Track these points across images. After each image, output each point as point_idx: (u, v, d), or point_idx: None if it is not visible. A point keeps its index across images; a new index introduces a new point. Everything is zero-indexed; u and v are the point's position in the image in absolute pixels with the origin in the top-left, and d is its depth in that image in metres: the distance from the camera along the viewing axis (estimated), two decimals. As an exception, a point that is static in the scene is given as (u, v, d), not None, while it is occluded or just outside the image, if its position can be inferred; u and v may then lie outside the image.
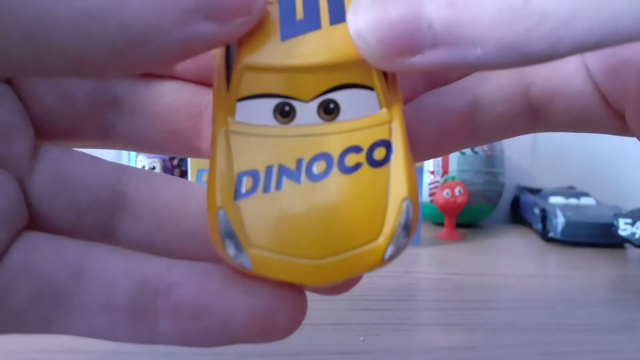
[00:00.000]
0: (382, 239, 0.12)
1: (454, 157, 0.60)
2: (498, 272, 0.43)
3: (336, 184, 0.12)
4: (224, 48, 0.13)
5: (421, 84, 0.17)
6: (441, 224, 0.59)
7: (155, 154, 0.16)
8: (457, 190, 0.53)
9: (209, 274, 0.13)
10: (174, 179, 0.15)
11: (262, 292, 0.12)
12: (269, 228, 0.12)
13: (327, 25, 0.12)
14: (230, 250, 0.12)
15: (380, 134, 0.12)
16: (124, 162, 0.53)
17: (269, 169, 0.12)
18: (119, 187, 0.14)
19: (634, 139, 0.15)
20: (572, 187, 0.66)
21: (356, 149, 0.12)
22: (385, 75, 0.13)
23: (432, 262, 0.45)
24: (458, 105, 0.16)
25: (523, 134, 0.17)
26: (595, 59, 0.14)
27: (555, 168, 0.74)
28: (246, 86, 0.12)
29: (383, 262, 0.12)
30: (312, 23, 0.12)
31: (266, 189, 0.12)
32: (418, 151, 0.16)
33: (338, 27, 0.12)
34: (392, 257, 0.12)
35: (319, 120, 0.12)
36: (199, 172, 0.46)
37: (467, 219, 0.61)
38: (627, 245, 0.52)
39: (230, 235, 0.12)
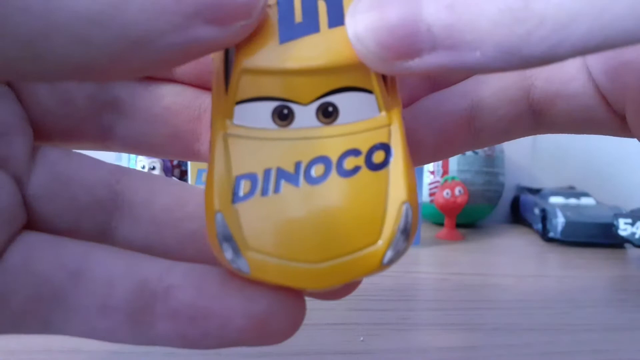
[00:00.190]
0: (381, 243, 0.12)
1: (454, 157, 0.60)
2: (498, 272, 0.43)
3: (335, 188, 0.12)
4: (222, 51, 0.13)
5: (421, 88, 0.17)
6: (441, 224, 0.59)
7: (153, 157, 0.16)
8: (457, 190, 0.53)
9: (207, 276, 0.13)
10: (173, 182, 0.15)
11: (260, 296, 0.12)
12: (266, 232, 0.12)
13: (325, 28, 0.12)
14: (228, 254, 0.12)
15: (379, 137, 0.12)
16: (124, 162, 0.53)
17: (267, 172, 0.12)
18: (117, 188, 0.14)
19: (634, 139, 0.15)
20: (572, 187, 0.66)
21: (355, 152, 0.12)
22: (384, 78, 0.13)
23: (432, 262, 0.45)
24: (458, 109, 0.16)
25: (524, 136, 0.17)
26: (596, 61, 0.14)
27: (555, 168, 0.74)
28: (244, 89, 0.12)
29: (382, 266, 0.12)
30: (310, 26, 0.12)
31: (264, 192, 0.12)
32: (419, 155, 0.16)
33: (337, 30, 0.12)
34: (391, 261, 0.12)
35: (318, 124, 0.12)
36: (199, 172, 0.46)
37: (467, 219, 0.61)
38: (627, 245, 0.52)
39: (227, 238, 0.12)
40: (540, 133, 0.17)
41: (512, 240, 0.57)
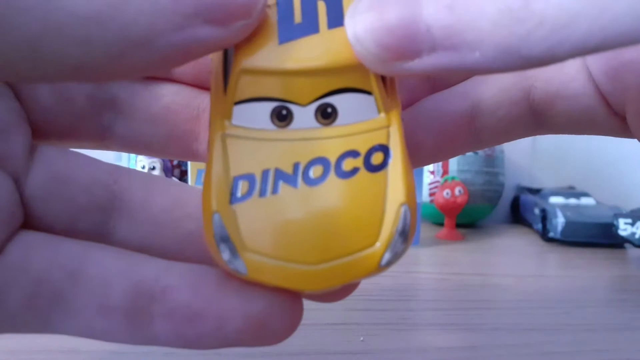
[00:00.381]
0: (379, 245, 0.12)
1: (454, 157, 0.60)
2: (498, 272, 0.43)
3: (333, 189, 0.12)
4: (221, 51, 0.13)
5: (421, 89, 0.17)
6: (441, 224, 0.59)
7: (152, 156, 0.16)
8: (457, 190, 0.53)
9: (204, 277, 0.13)
10: (171, 182, 0.15)
11: (257, 297, 0.12)
12: (264, 233, 0.12)
13: (325, 29, 0.12)
14: (225, 255, 0.12)
15: (378, 139, 0.12)
16: (124, 162, 0.53)
17: (265, 173, 0.12)
18: (115, 188, 0.14)
19: (634, 139, 0.15)
20: (572, 187, 0.66)
21: (353, 154, 0.12)
22: (383, 79, 0.13)
23: (432, 262, 0.45)
24: (458, 110, 0.16)
25: (524, 137, 0.17)
26: (596, 61, 0.14)
27: (555, 168, 0.74)
28: (243, 89, 0.12)
29: (380, 268, 0.12)
30: (310, 27, 0.12)
31: (262, 193, 0.12)
32: (418, 156, 0.16)
33: (336, 31, 0.12)
34: (389, 263, 0.12)
35: (317, 124, 0.12)
36: (199, 172, 0.46)
37: (467, 219, 0.61)
38: (627, 245, 0.52)
39: (225, 239, 0.12)
40: (540, 134, 0.17)
41: (512, 240, 0.57)
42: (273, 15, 0.12)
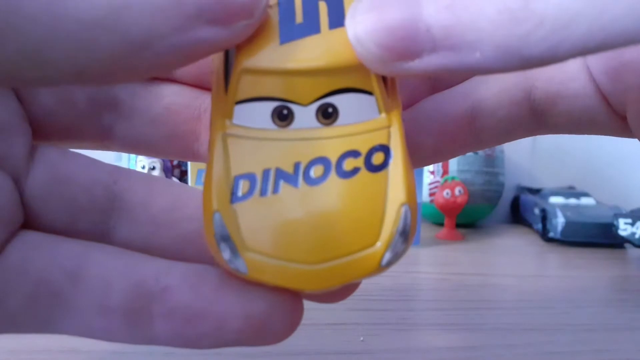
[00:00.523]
0: (379, 245, 0.12)
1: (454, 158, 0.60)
2: (498, 272, 0.43)
3: (334, 189, 0.12)
4: (222, 51, 0.13)
5: (421, 89, 0.17)
6: (441, 224, 0.59)
7: (152, 157, 0.16)
8: (457, 190, 0.53)
9: (205, 277, 0.13)
10: (171, 182, 0.15)
11: (257, 297, 0.12)
12: (265, 232, 0.12)
13: (326, 29, 0.12)
14: (226, 254, 0.12)
15: (378, 139, 0.12)
16: (124, 162, 0.53)
17: (266, 173, 0.12)
18: (115, 189, 0.14)
19: (635, 139, 0.15)
20: (572, 187, 0.66)
21: (354, 154, 0.12)
22: (384, 79, 0.13)
23: (432, 262, 0.45)
24: (459, 110, 0.16)
25: (525, 137, 0.17)
26: (596, 61, 0.14)
27: (555, 168, 0.74)
28: (244, 89, 0.12)
29: (380, 268, 0.12)
30: (311, 27, 0.12)
31: (263, 192, 0.12)
32: (419, 157, 0.16)
33: (337, 31, 0.12)
34: (390, 263, 0.12)
35: (317, 124, 0.12)
36: (199, 172, 0.46)
37: (467, 219, 0.61)
38: (627, 245, 0.52)
39: (225, 238, 0.12)
40: (541, 134, 0.17)
41: (512, 240, 0.57)
42: (274, 15, 0.12)
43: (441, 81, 0.17)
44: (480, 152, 0.61)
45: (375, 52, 0.11)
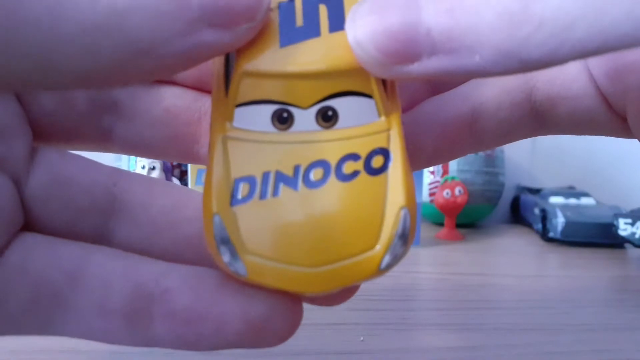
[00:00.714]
0: (378, 248, 0.12)
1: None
2: (498, 272, 0.43)
3: (333, 192, 0.12)
4: None
5: (422, 91, 0.17)
6: (441, 224, 0.59)
7: (153, 158, 0.16)
8: (457, 190, 0.53)
9: (204, 279, 0.13)
10: (171, 185, 0.15)
11: (257, 299, 0.12)
12: (264, 235, 0.12)
13: (326, 32, 0.12)
14: (225, 257, 0.12)
15: (378, 142, 0.12)
16: (124, 162, 0.53)
17: (265, 175, 0.12)
18: (115, 191, 0.14)
19: (635, 140, 0.15)
20: (572, 187, 0.66)
21: (354, 157, 0.12)
22: (384, 83, 0.13)
23: (432, 262, 0.45)
24: (459, 112, 0.16)
25: (526, 137, 0.17)
26: (597, 63, 0.14)
27: (555, 168, 0.74)
28: (245, 92, 0.12)
29: (379, 271, 0.12)
30: (311, 30, 0.12)
31: (263, 195, 0.12)
32: (420, 159, 0.16)
33: (337, 34, 0.12)
34: (389, 266, 0.12)
35: (317, 127, 0.12)
36: (199, 173, 0.46)
37: (467, 219, 0.61)
38: (627, 245, 0.52)
39: (225, 241, 0.12)
40: (541, 134, 0.17)
41: (512, 240, 0.57)
42: (275, 18, 0.12)
43: (441, 83, 0.17)
44: (480, 152, 0.60)
45: (375, 56, 0.11)
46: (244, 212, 0.12)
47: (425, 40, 0.10)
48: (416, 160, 0.15)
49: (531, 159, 0.75)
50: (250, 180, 0.12)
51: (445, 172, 0.60)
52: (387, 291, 0.34)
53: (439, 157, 0.16)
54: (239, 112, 0.12)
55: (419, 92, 0.17)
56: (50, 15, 0.09)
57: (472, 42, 0.10)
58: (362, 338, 0.26)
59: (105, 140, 0.16)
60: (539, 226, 0.57)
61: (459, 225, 0.59)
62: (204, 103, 0.16)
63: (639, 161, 0.74)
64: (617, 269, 0.44)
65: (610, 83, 0.14)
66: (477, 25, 0.10)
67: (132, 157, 0.53)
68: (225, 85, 0.13)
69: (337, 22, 0.12)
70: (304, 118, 0.12)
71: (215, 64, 0.13)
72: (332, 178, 0.12)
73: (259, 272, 0.12)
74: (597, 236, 0.52)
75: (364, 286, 0.15)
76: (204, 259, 0.13)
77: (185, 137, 0.16)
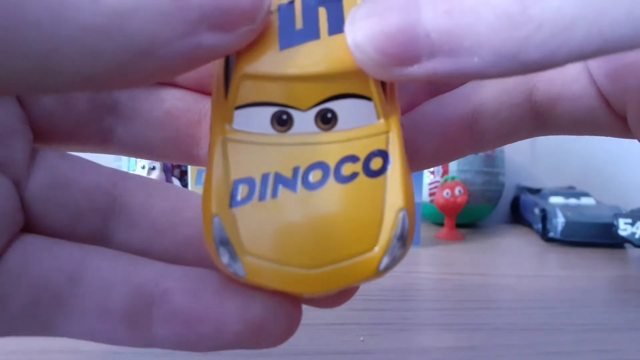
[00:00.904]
0: (377, 250, 0.12)
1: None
2: (498, 272, 0.43)
3: (332, 194, 0.12)
4: None
5: (421, 93, 0.17)
6: (441, 224, 0.59)
7: (153, 160, 0.16)
8: (457, 190, 0.53)
9: (204, 281, 0.13)
10: (171, 186, 0.15)
11: (256, 300, 0.12)
12: (263, 236, 0.12)
13: (326, 35, 0.12)
14: (225, 258, 0.12)
15: (377, 144, 0.12)
16: (124, 161, 0.53)
17: (265, 177, 0.12)
18: (115, 192, 0.14)
19: (634, 140, 0.15)
20: (572, 187, 0.66)
21: (353, 159, 0.12)
22: (383, 85, 0.13)
23: (432, 262, 0.45)
24: (459, 113, 0.16)
25: (526, 138, 0.17)
26: (597, 63, 0.14)
27: (555, 168, 0.74)
28: (244, 94, 0.12)
29: (378, 273, 0.12)
30: (311, 33, 0.12)
31: (262, 197, 0.12)
32: (420, 160, 0.16)
33: (337, 37, 0.12)
34: (387, 268, 0.12)
35: (316, 129, 0.12)
36: (199, 173, 0.46)
37: (467, 219, 0.61)
38: (627, 245, 0.52)
39: (224, 242, 0.12)
40: (542, 135, 0.17)
41: (512, 240, 0.57)
42: (274, 21, 0.12)
43: (441, 84, 0.17)
44: (481, 152, 0.60)
45: (375, 58, 0.11)
46: (243, 214, 0.12)
47: (425, 42, 0.10)
48: (417, 161, 0.15)
49: (531, 159, 0.75)
50: (250, 181, 0.12)
51: (445, 172, 0.60)
52: (387, 291, 0.34)
53: (440, 158, 0.16)
54: (239, 114, 0.12)
55: (419, 94, 0.17)
56: (51, 16, 0.09)
57: (471, 43, 0.10)
58: (362, 338, 0.26)
59: (106, 142, 0.16)
60: (539, 226, 0.57)
61: (459, 225, 0.59)
62: (204, 105, 0.16)
63: (639, 161, 0.74)
64: (617, 269, 0.44)
65: (610, 83, 0.14)
66: (476, 26, 0.10)
67: (132, 158, 0.53)
68: (225, 87, 0.13)
69: (337, 25, 0.12)
70: (304, 120, 0.12)
71: (215, 66, 0.13)
72: (331, 180, 0.12)
73: (258, 273, 0.12)
74: (597, 236, 0.52)
75: (364, 286, 0.15)
76: (204, 260, 0.13)
77: (185, 139, 0.16)
